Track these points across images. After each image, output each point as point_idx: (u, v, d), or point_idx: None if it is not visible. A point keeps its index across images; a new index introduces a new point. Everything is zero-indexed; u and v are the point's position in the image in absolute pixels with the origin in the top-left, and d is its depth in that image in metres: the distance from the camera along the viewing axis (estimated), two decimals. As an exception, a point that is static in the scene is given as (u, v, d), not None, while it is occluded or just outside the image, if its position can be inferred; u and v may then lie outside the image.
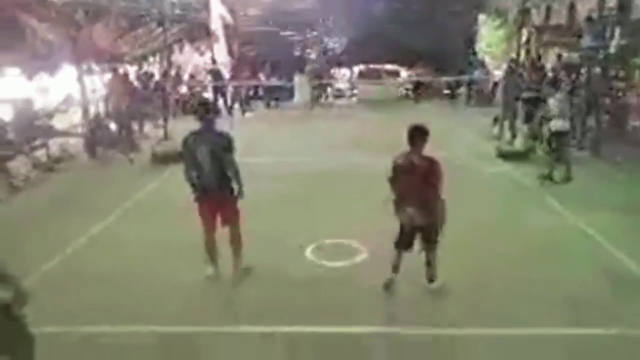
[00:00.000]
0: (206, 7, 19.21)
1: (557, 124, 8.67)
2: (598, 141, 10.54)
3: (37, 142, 10.29)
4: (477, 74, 18.62)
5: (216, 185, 5.21)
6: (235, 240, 5.48)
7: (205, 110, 5.25)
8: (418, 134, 4.75)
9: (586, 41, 11.91)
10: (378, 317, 4.78)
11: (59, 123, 11.68)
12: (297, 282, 5.45)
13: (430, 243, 5.00)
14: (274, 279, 5.49)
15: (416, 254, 5.12)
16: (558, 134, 8.70)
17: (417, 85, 19.29)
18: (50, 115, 11.33)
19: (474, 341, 4.43)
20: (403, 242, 5.06)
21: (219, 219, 5.40)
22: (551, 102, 8.80)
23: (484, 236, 6.25)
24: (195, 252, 5.70)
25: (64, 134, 11.43)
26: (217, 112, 5.41)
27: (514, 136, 11.55)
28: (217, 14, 19.78)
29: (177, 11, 16.35)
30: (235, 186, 5.29)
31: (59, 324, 4.60)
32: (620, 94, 12.13)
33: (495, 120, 12.39)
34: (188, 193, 5.39)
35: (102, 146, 11.21)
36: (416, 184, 4.75)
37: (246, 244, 5.54)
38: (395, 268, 5.14)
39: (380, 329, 4.60)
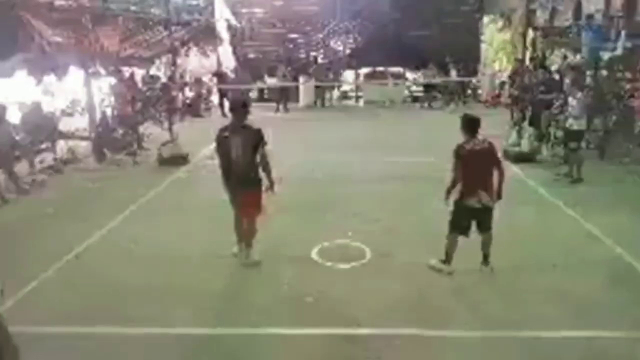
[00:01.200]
0: (211, 9, 19.24)
1: (576, 123, 8.71)
2: (605, 142, 10.48)
3: (44, 145, 10.34)
4: (453, 74, 18.42)
5: (245, 177, 5.62)
6: (250, 232, 5.86)
7: (241, 106, 5.81)
8: (471, 124, 5.34)
9: (587, 39, 11.78)
10: (386, 318, 4.78)
11: (65, 126, 11.72)
12: (302, 282, 5.49)
13: (487, 226, 5.38)
14: (279, 278, 5.56)
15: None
16: (577, 133, 8.76)
17: (428, 88, 18.97)
18: (57, 118, 11.36)
19: (482, 344, 4.42)
20: (461, 226, 5.40)
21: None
22: (571, 101, 8.78)
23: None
24: (204, 255, 5.74)
25: (71, 136, 11.47)
26: (247, 109, 6.02)
27: (520, 137, 11.47)
28: (222, 17, 19.80)
29: (183, 14, 16.38)
30: (263, 179, 5.70)
31: (66, 324, 4.62)
32: (627, 95, 12.04)
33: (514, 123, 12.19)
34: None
35: (109, 149, 11.25)
36: (480, 167, 5.27)
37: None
38: (450, 255, 5.48)
39: (387, 330, 4.60)
